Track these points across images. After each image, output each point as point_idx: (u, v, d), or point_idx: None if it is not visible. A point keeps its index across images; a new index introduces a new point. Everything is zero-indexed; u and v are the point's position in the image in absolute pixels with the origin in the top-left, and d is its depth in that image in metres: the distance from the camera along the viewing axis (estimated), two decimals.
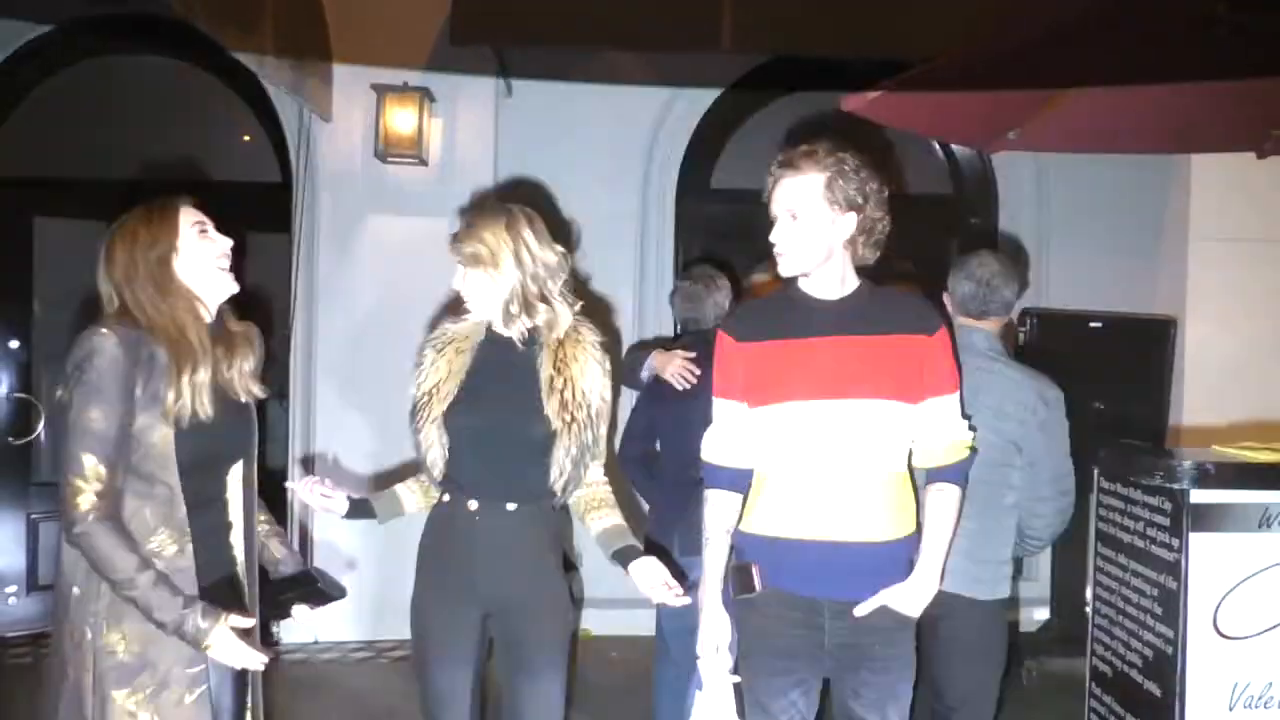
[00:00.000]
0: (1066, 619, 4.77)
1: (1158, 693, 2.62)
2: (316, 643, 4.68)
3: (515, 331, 2.26)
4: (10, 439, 4.95)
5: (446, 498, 2.26)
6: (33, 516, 4.94)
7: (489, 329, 2.28)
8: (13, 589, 4.92)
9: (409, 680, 3.19)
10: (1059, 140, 3.84)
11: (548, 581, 2.29)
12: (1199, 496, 2.53)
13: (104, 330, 1.88)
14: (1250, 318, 5.01)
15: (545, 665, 2.27)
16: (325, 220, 4.86)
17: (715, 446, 2.33)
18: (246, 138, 5.50)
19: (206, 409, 1.88)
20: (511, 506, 2.24)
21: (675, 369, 3.07)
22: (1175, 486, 2.54)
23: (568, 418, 2.21)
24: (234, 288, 2.01)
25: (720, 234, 5.16)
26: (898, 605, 2.16)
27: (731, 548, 2.31)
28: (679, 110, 5.22)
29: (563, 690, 2.31)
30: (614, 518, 2.34)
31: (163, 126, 5.41)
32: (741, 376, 2.27)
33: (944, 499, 2.21)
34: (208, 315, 1.98)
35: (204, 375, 1.89)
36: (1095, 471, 2.96)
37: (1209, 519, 2.53)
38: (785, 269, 2.23)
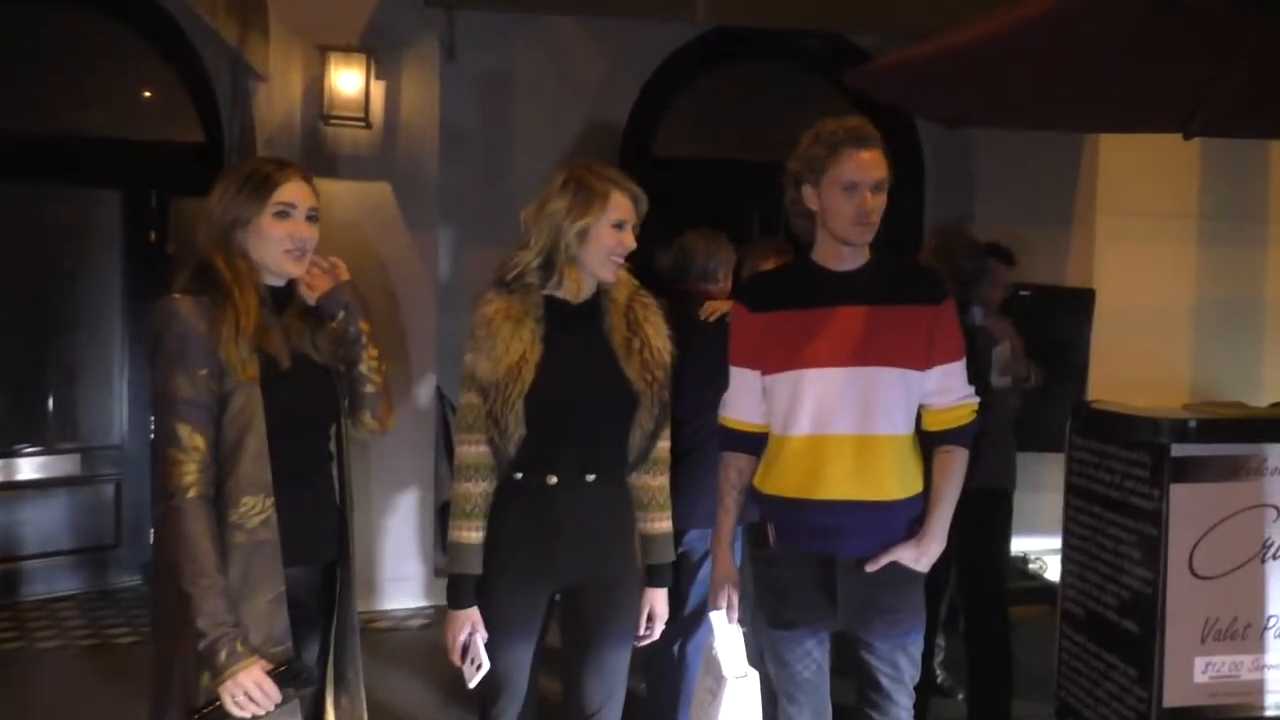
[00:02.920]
0: None
1: (1136, 630, 2.86)
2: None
3: (581, 295, 2.21)
4: None
5: (519, 475, 2.17)
6: None
7: (546, 296, 2.19)
8: None
9: None
10: (1008, 118, 4.04)
11: (625, 559, 2.27)
12: (1179, 450, 2.75)
13: (176, 296, 1.84)
14: (1154, 289, 5.41)
15: (615, 644, 2.26)
16: None
17: (731, 410, 2.42)
18: (148, 93, 5.22)
19: (247, 365, 1.82)
20: (591, 479, 2.18)
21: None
22: (1157, 441, 2.76)
23: (649, 378, 2.19)
24: (295, 272, 1.94)
25: (662, 202, 5.18)
26: (907, 560, 2.28)
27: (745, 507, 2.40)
28: (622, 78, 5.23)
29: (626, 668, 2.31)
30: (663, 524, 2.32)
31: (68, 79, 5.08)
32: (756, 344, 2.35)
33: (950, 460, 2.33)
34: (275, 280, 1.94)
35: (246, 332, 1.83)
36: (1068, 429, 3.17)
37: (1187, 471, 2.76)
38: (864, 238, 2.28)
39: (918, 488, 2.32)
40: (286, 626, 1.82)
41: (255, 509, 1.81)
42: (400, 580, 4.79)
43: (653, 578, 2.32)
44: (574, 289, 2.20)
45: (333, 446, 2.01)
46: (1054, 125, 4.40)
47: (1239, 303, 5.71)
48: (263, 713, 1.77)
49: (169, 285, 1.88)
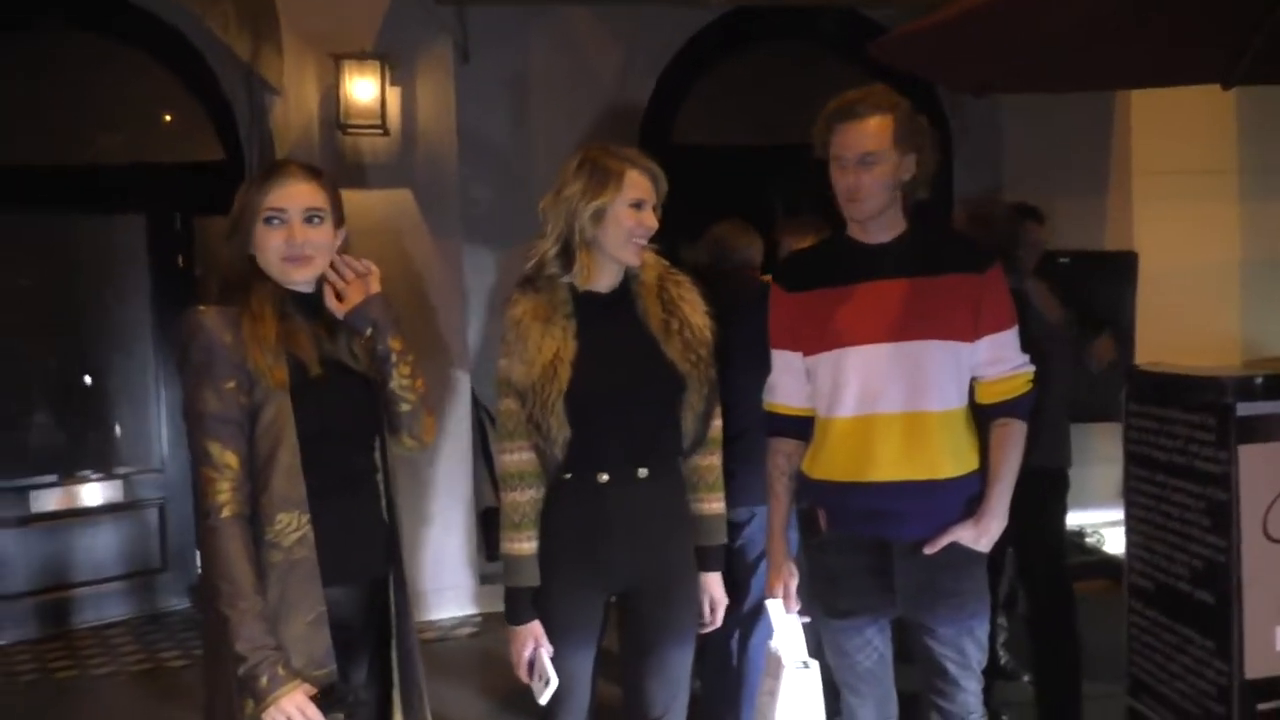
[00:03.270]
0: None
1: (1211, 600, 2.75)
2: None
3: (608, 283, 2.13)
4: None
5: (569, 475, 2.09)
6: None
7: (573, 288, 2.10)
8: None
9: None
10: (1034, 82, 3.92)
11: (682, 557, 2.19)
12: (1245, 410, 2.64)
13: (200, 308, 1.79)
14: (1197, 249, 5.27)
15: (676, 646, 2.19)
16: None
17: (775, 394, 2.35)
18: (167, 116, 5.22)
19: (274, 370, 1.76)
20: (643, 473, 2.10)
21: None
22: (1222, 401, 2.66)
23: (693, 358, 2.11)
24: (300, 278, 1.84)
25: (682, 189, 5.12)
26: (967, 541, 2.19)
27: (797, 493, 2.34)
28: (638, 66, 5.16)
29: (689, 670, 2.25)
30: (715, 505, 2.24)
31: (85, 107, 5.09)
32: (795, 325, 2.28)
33: (1007, 433, 2.24)
34: (302, 286, 1.87)
35: (267, 339, 1.77)
36: (1124, 395, 3.06)
37: (1255, 430, 2.65)
38: (858, 214, 2.22)
39: (974, 464, 2.24)
40: (329, 648, 1.76)
41: (291, 526, 1.75)
42: (446, 590, 4.75)
43: (704, 561, 2.24)
44: (596, 276, 2.11)
45: (377, 458, 1.93)
46: (1086, 85, 4.28)
47: None
48: None
49: (198, 300, 1.83)
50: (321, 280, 1.89)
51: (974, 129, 5.29)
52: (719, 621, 2.28)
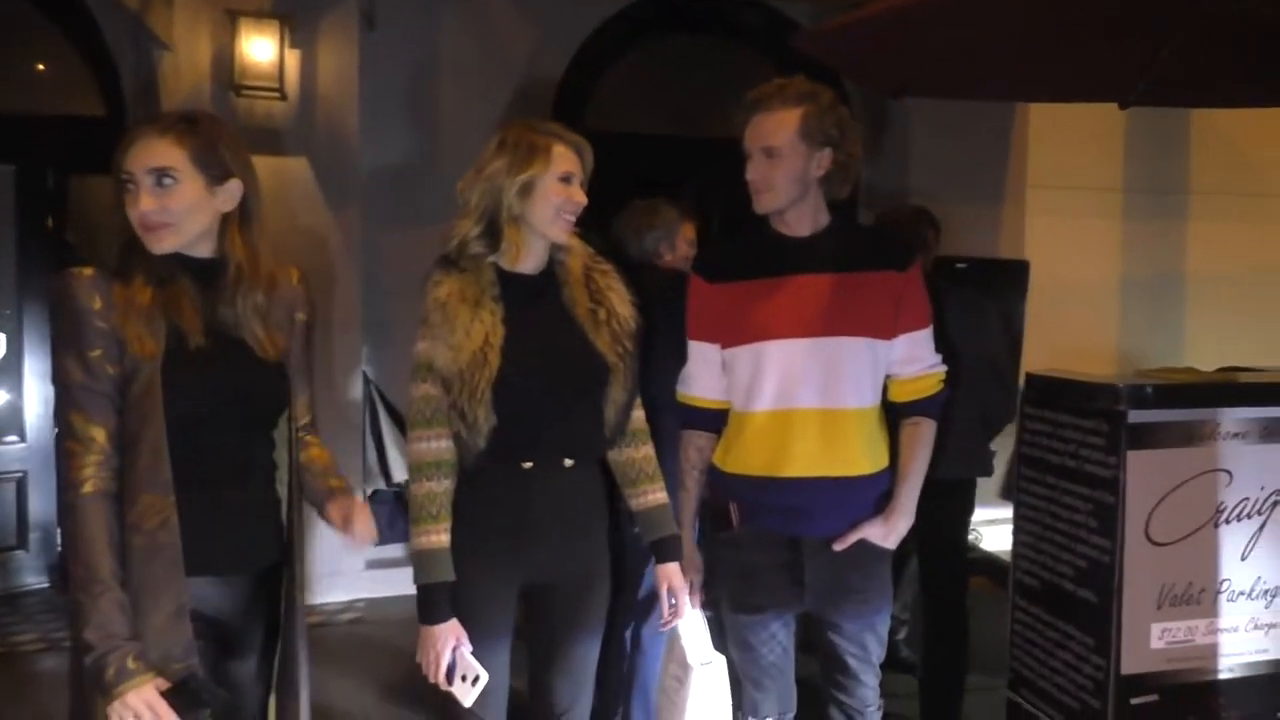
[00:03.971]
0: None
1: (1093, 599, 2.84)
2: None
3: (533, 264, 2.05)
4: None
5: (489, 463, 1.99)
6: None
7: (499, 269, 2.02)
8: None
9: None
10: (947, 89, 4.00)
11: (599, 552, 2.14)
12: (1136, 417, 2.73)
13: (71, 271, 1.65)
14: (1082, 261, 5.48)
15: (585, 642, 2.13)
16: None
17: (691, 386, 2.32)
18: (41, 65, 4.88)
19: (144, 340, 1.63)
20: (569, 463, 2.04)
21: None
22: (1115, 408, 2.74)
23: (620, 349, 2.05)
24: (158, 248, 1.67)
25: (594, 175, 5.06)
26: (875, 538, 2.21)
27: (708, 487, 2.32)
28: (550, 49, 5.06)
29: (595, 666, 2.19)
30: (658, 495, 2.17)
31: None
32: (715, 317, 2.26)
33: (918, 432, 2.27)
34: (198, 251, 1.73)
35: (140, 304, 1.64)
36: (1020, 398, 3.14)
37: (1144, 437, 2.75)
38: (761, 206, 2.21)
39: (885, 462, 2.26)
40: (190, 643, 1.62)
41: (154, 509, 1.61)
42: (331, 575, 4.58)
43: (661, 553, 2.17)
44: (524, 256, 2.03)
45: (275, 443, 1.81)
46: (994, 96, 4.40)
47: (1162, 273, 5.83)
48: None
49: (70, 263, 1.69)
50: (224, 246, 1.74)
51: (884, 132, 5.37)
52: (681, 614, 2.22)
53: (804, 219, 2.22)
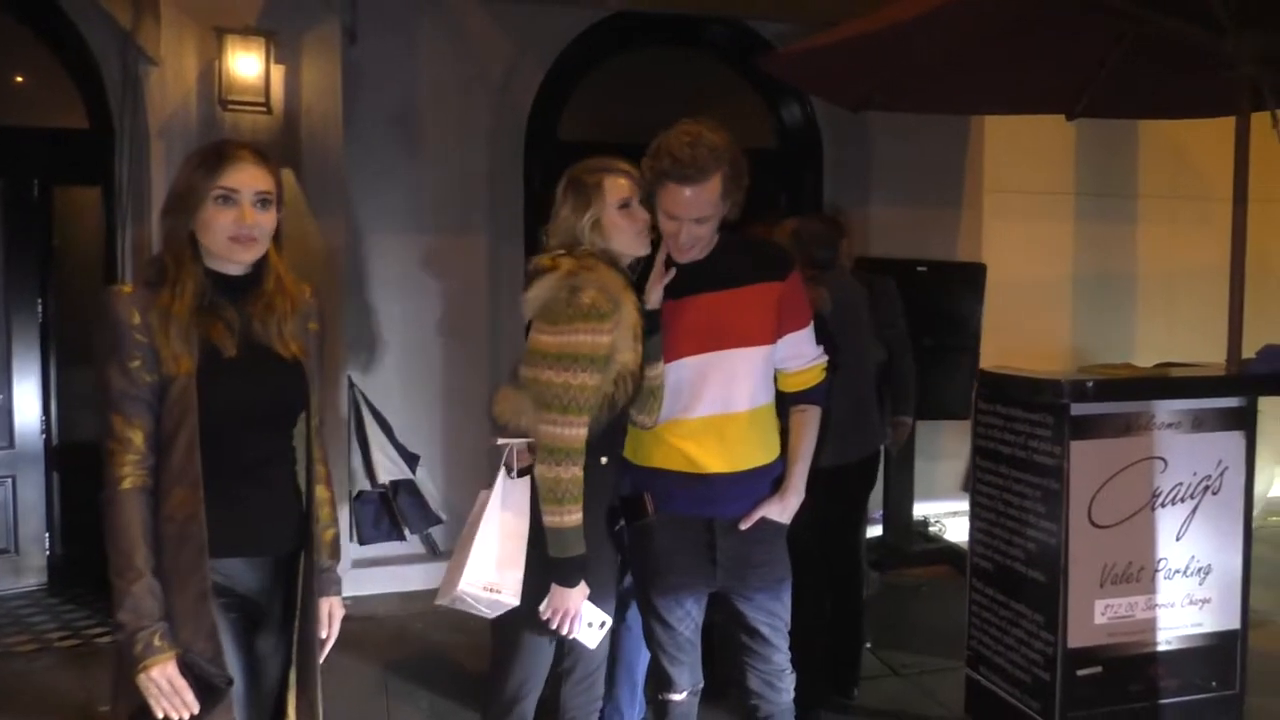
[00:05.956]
0: (897, 536, 5.33)
1: (1043, 579, 3.06)
2: None
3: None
4: None
5: (604, 460, 2.30)
6: None
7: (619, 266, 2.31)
8: None
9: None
10: (905, 103, 4.23)
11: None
12: (1078, 410, 2.96)
13: (114, 287, 1.85)
14: (1036, 263, 5.73)
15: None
16: (156, 172, 4.51)
17: None
18: (19, 78, 4.97)
19: (180, 358, 1.80)
20: (605, 460, 2.33)
21: None
22: (1059, 402, 2.96)
23: None
24: (246, 259, 1.88)
25: None
26: (773, 515, 2.45)
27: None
28: (527, 62, 5.22)
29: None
30: None
31: None
32: None
33: (806, 419, 2.51)
34: (231, 268, 1.90)
35: (180, 320, 1.81)
36: (974, 395, 3.36)
37: (1085, 428, 2.97)
38: (687, 259, 2.36)
39: (778, 450, 2.49)
40: (212, 625, 1.81)
41: (185, 503, 1.79)
42: None
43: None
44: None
45: (296, 441, 1.99)
46: (950, 109, 4.62)
47: (1112, 273, 6.11)
48: (186, 715, 1.76)
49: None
50: (259, 263, 1.92)
51: (845, 142, 5.58)
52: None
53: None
